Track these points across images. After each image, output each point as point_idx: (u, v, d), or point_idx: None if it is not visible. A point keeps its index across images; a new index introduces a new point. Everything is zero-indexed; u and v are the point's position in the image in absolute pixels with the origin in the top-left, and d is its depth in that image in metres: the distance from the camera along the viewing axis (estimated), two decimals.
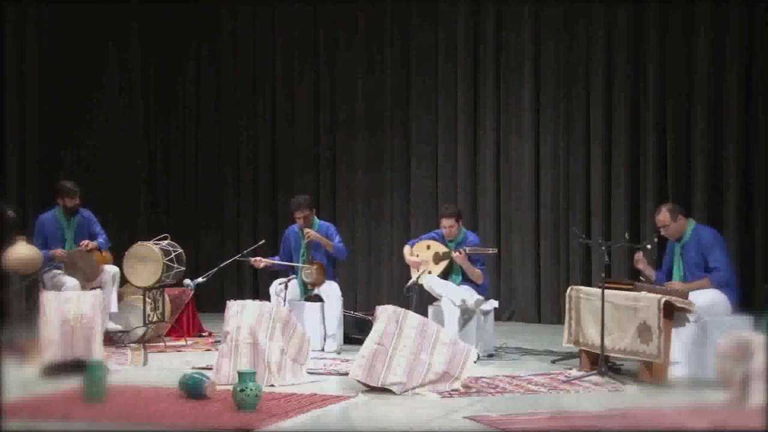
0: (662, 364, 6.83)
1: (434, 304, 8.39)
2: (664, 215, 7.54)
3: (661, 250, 8.06)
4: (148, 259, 8.75)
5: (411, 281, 8.24)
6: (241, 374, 5.96)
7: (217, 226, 12.33)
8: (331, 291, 8.71)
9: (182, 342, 9.05)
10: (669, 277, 7.60)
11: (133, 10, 12.11)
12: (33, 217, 9.21)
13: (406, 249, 8.68)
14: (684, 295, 7.03)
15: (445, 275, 8.36)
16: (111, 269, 9.02)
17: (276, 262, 8.93)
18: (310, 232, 8.77)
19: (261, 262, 8.91)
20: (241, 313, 7.01)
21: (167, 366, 7.70)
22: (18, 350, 7.27)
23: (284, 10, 12.10)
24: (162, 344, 8.72)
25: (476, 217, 11.10)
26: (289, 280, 8.45)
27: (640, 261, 7.61)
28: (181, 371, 6.74)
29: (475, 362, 6.90)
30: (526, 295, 10.96)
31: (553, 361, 7.91)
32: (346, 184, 11.81)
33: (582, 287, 7.66)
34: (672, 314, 6.89)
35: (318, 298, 8.75)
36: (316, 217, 8.98)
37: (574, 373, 7.24)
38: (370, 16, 11.69)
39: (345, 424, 5.84)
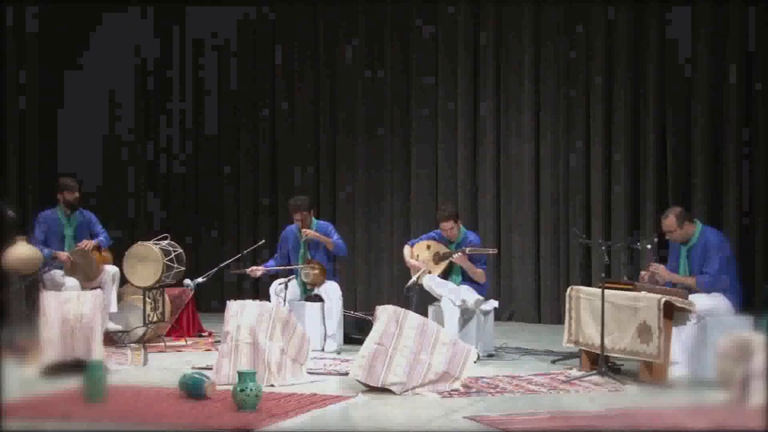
0: (662, 364, 6.82)
1: (434, 304, 8.39)
2: (670, 221, 7.44)
3: (661, 250, 8.05)
4: (148, 259, 8.75)
5: (411, 281, 8.24)
6: (241, 374, 5.96)
7: (217, 226, 12.34)
8: (331, 291, 8.70)
9: (182, 342, 9.05)
10: None
11: (134, 10, 12.10)
12: (33, 217, 9.21)
13: (406, 249, 8.68)
14: (684, 295, 7.03)
15: (445, 275, 8.36)
16: (111, 269, 9.02)
17: (271, 267, 8.91)
18: (308, 232, 8.76)
19: (257, 270, 8.90)
20: (241, 313, 7.01)
21: (167, 366, 7.70)
22: (18, 350, 7.26)
23: (284, 10, 12.10)
24: (162, 344, 8.71)
25: (476, 217, 11.10)
26: (289, 280, 8.45)
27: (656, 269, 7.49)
28: (181, 371, 6.75)
29: (475, 362, 6.90)
30: (526, 295, 10.96)
31: (553, 361, 7.91)
32: (346, 184, 11.82)
33: (582, 287, 7.65)
34: (672, 314, 6.89)
35: (318, 298, 8.75)
36: (314, 218, 8.98)
37: (574, 373, 7.25)
38: (370, 16, 11.69)
39: (345, 424, 5.84)
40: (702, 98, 9.93)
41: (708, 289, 7.29)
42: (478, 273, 8.28)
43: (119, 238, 9.95)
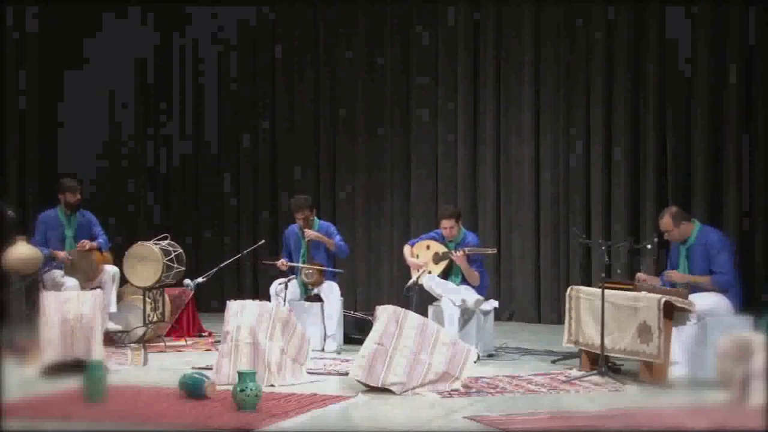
0: (662, 364, 6.82)
1: (434, 304, 8.39)
2: (666, 221, 7.46)
3: (661, 251, 8.05)
4: (148, 259, 8.75)
5: (411, 281, 8.24)
6: (241, 374, 5.96)
7: (217, 226, 12.34)
8: (331, 291, 8.70)
9: (182, 342, 9.05)
10: None
11: (134, 10, 12.10)
12: (33, 217, 9.23)
13: (406, 249, 8.69)
14: (684, 295, 7.03)
15: (444, 275, 8.36)
16: (111, 269, 9.02)
17: (295, 264, 8.87)
18: (310, 233, 8.75)
19: (285, 264, 8.85)
20: (241, 313, 7.01)
21: (167, 366, 7.70)
22: (18, 350, 7.27)
23: (284, 10, 12.10)
24: (162, 344, 8.72)
25: (476, 217, 11.10)
26: (289, 280, 8.45)
27: (647, 279, 7.50)
28: (181, 371, 6.75)
29: (475, 362, 6.89)
30: (526, 295, 10.96)
31: (553, 361, 7.91)
32: (346, 184, 11.82)
33: (582, 287, 7.65)
34: (672, 314, 6.89)
35: (318, 298, 8.74)
36: (316, 218, 8.97)
37: (574, 373, 7.24)
38: (370, 16, 11.70)
39: (345, 424, 5.84)
40: (702, 98, 9.93)
41: (724, 288, 7.29)
42: (474, 275, 8.28)
43: (119, 239, 9.95)
